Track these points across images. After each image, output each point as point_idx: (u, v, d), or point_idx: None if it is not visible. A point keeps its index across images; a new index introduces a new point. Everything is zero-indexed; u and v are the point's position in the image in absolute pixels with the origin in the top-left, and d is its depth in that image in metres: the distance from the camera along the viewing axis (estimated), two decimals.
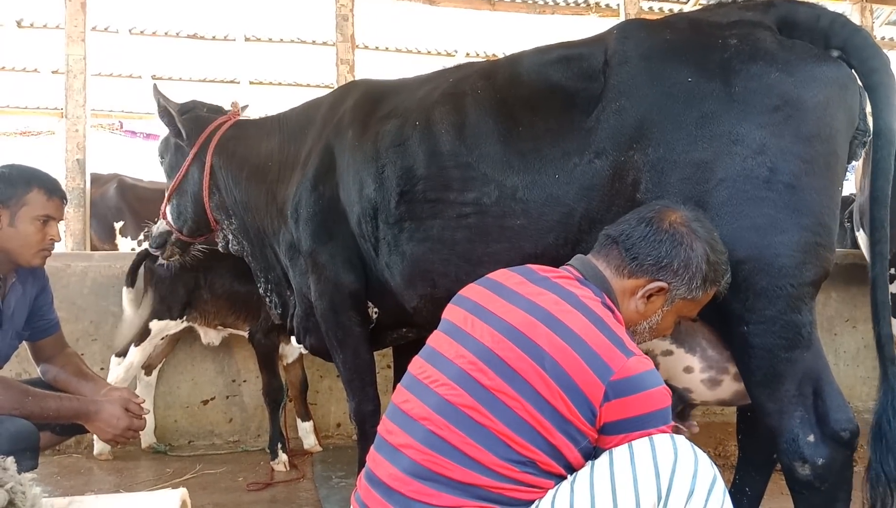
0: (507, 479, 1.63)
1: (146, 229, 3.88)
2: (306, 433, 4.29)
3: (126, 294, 4.15)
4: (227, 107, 3.77)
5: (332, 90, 3.83)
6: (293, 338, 3.43)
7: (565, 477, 1.66)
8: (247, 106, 3.98)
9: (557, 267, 1.93)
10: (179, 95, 3.82)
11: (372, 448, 1.83)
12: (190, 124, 3.51)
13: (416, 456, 1.68)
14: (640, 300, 1.88)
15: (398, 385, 1.88)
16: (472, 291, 1.91)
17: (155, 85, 3.69)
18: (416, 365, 1.86)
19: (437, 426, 1.68)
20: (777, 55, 2.04)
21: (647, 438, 1.63)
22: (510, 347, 1.69)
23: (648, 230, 1.87)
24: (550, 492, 1.64)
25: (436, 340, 1.87)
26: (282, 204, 3.10)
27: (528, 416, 1.64)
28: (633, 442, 1.63)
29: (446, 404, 1.69)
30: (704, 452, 1.66)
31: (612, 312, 1.80)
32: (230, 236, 3.51)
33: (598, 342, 1.66)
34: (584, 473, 1.64)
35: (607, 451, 1.66)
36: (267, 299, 3.52)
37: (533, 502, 1.65)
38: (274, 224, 3.20)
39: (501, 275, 1.90)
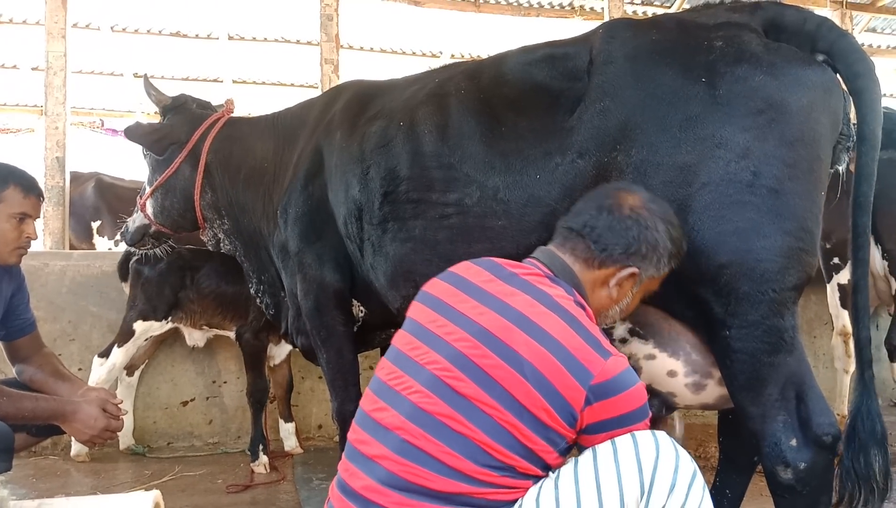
0: (487, 484, 1.61)
1: (122, 225, 3.80)
2: (288, 434, 4.27)
3: (126, 289, 4.15)
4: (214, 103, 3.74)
5: (325, 91, 3.81)
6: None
7: (543, 476, 1.66)
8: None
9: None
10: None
11: (343, 456, 1.77)
12: (184, 121, 3.47)
13: (393, 467, 1.63)
14: (614, 288, 1.88)
15: (367, 389, 1.83)
16: (436, 287, 1.86)
17: (146, 76, 3.65)
18: (385, 369, 1.80)
19: (413, 435, 1.63)
20: (762, 58, 2.03)
21: (629, 434, 1.64)
22: (487, 353, 1.65)
23: (611, 219, 1.85)
24: (533, 490, 1.64)
25: (402, 341, 1.82)
26: (277, 206, 3.09)
27: (506, 423, 1.61)
28: (616, 439, 1.64)
29: (421, 412, 1.65)
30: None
31: (584, 309, 1.79)
32: (221, 236, 3.49)
33: (575, 345, 1.65)
34: (567, 470, 1.64)
35: (590, 448, 1.66)
36: (258, 300, 3.50)
37: (515, 501, 1.64)
38: (269, 226, 3.19)
39: (465, 270, 1.85)
